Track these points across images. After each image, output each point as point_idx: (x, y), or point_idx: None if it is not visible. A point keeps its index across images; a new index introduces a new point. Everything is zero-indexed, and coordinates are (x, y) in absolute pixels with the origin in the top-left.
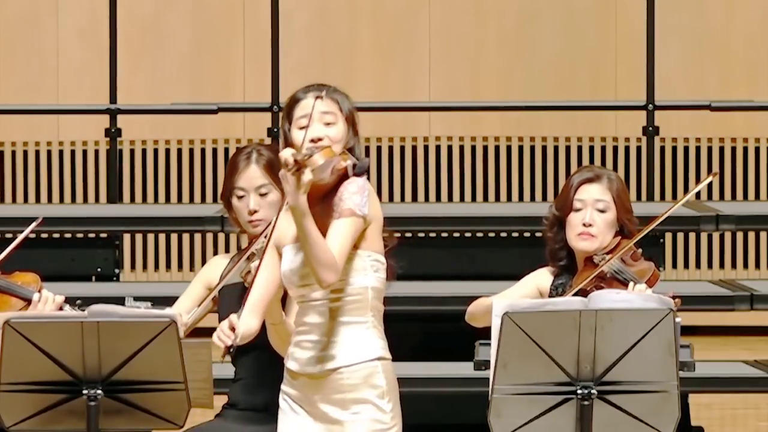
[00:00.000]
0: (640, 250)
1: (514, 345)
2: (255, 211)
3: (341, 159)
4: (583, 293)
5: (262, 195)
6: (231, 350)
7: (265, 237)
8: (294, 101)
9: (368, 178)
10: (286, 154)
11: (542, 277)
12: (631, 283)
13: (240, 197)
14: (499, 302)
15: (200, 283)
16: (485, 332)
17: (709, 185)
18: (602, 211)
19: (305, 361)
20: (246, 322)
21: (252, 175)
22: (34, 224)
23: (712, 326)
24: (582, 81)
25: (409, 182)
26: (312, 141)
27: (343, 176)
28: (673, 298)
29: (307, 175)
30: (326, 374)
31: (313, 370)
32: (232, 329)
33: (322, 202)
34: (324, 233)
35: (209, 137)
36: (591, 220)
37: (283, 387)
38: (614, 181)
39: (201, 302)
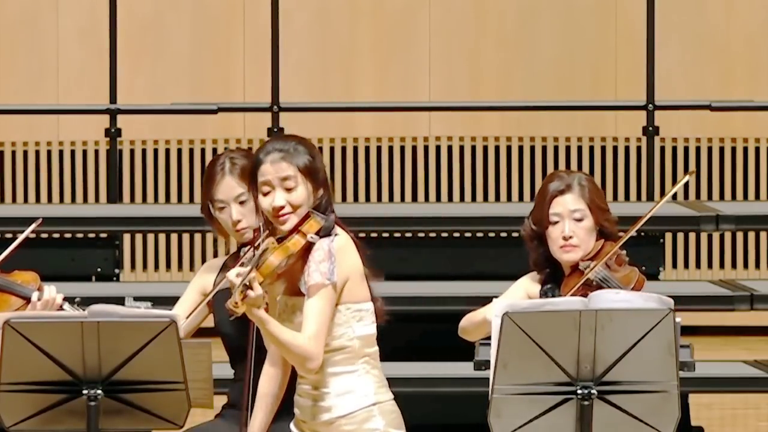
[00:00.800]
0: (624, 252)
1: (514, 345)
2: (239, 221)
3: (299, 238)
4: None
5: (242, 203)
6: None
7: (255, 246)
8: (256, 165)
9: (335, 235)
10: (231, 277)
11: (530, 284)
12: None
13: (221, 209)
14: (499, 303)
15: (195, 290)
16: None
17: (709, 185)
18: (579, 220)
19: (304, 411)
20: (270, 373)
21: (228, 185)
22: (33, 225)
23: (712, 326)
24: (582, 81)
25: (409, 182)
26: (275, 209)
27: (310, 245)
28: None
29: (256, 291)
30: (324, 425)
31: (312, 421)
32: None
33: (302, 259)
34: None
35: (209, 137)
36: (570, 231)
37: (292, 427)
38: (585, 187)
39: (191, 312)
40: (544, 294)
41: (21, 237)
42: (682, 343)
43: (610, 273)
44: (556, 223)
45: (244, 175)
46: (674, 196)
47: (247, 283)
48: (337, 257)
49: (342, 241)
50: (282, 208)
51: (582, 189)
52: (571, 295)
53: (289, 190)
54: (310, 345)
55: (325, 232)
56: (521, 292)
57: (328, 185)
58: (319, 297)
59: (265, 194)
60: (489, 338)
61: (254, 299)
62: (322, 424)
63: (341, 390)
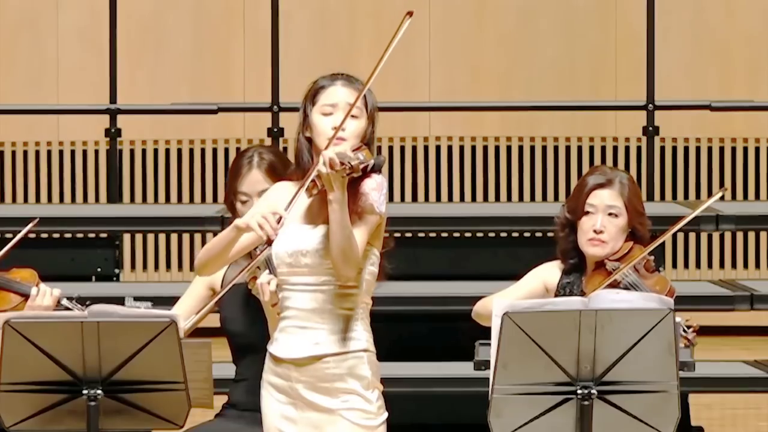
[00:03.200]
0: (652, 257)
1: (514, 345)
2: None
3: (369, 158)
4: None
5: None
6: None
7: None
8: (320, 87)
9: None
10: (344, 158)
11: (550, 273)
12: None
13: (244, 202)
14: (499, 302)
15: (202, 283)
16: (485, 332)
17: (709, 185)
18: (614, 216)
19: (291, 346)
20: None
21: (254, 179)
22: (30, 225)
23: (712, 326)
24: (582, 81)
25: (409, 182)
26: (332, 128)
27: (365, 168)
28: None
29: (357, 172)
30: (311, 361)
31: (299, 355)
32: (279, 220)
33: (351, 184)
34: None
35: (209, 137)
36: (602, 226)
37: (264, 375)
38: (626, 185)
39: (200, 309)
40: (563, 288)
41: (17, 237)
42: None
43: (640, 278)
44: (590, 214)
45: (270, 170)
46: (674, 196)
47: (356, 166)
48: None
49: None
50: (343, 130)
51: (622, 187)
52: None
53: (352, 117)
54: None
55: (377, 168)
56: (538, 282)
57: (375, 138)
58: (368, 218)
59: (325, 114)
60: (489, 338)
61: (344, 181)
62: (308, 359)
63: (338, 328)
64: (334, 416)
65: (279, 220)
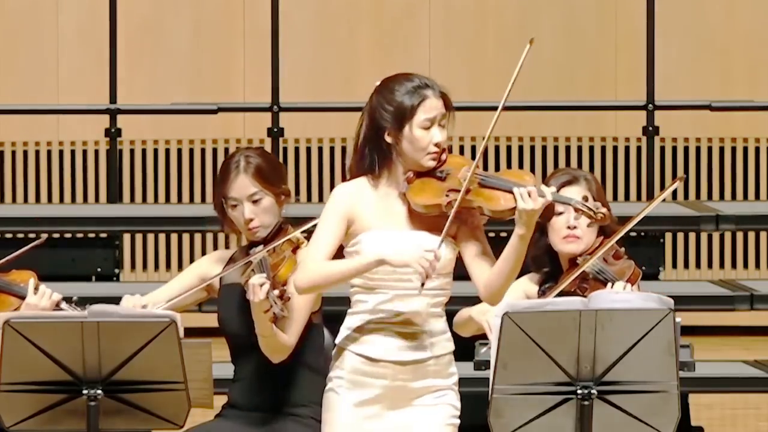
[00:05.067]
0: (622, 249)
1: (514, 345)
2: (251, 219)
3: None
4: (568, 294)
5: (255, 202)
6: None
7: (268, 249)
8: (421, 99)
9: None
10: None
11: (528, 284)
12: (610, 283)
13: (234, 206)
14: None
15: (194, 274)
16: (484, 333)
17: (709, 185)
18: None
19: (393, 348)
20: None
21: (242, 184)
22: (33, 244)
23: (712, 326)
24: (582, 81)
25: None
26: (436, 145)
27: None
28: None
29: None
30: (418, 362)
31: (405, 357)
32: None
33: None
34: (435, 229)
35: (209, 137)
36: (575, 222)
37: (345, 375)
38: (591, 182)
39: (182, 293)
40: (542, 293)
41: (18, 252)
42: (682, 343)
43: (607, 266)
44: (561, 213)
45: (258, 174)
46: (674, 196)
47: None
48: None
49: None
50: (441, 144)
51: (588, 183)
52: (568, 286)
53: (443, 127)
54: None
55: None
56: (519, 294)
57: None
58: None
59: (426, 129)
60: (487, 338)
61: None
62: (412, 363)
63: (439, 330)
64: (426, 410)
65: (436, 258)
